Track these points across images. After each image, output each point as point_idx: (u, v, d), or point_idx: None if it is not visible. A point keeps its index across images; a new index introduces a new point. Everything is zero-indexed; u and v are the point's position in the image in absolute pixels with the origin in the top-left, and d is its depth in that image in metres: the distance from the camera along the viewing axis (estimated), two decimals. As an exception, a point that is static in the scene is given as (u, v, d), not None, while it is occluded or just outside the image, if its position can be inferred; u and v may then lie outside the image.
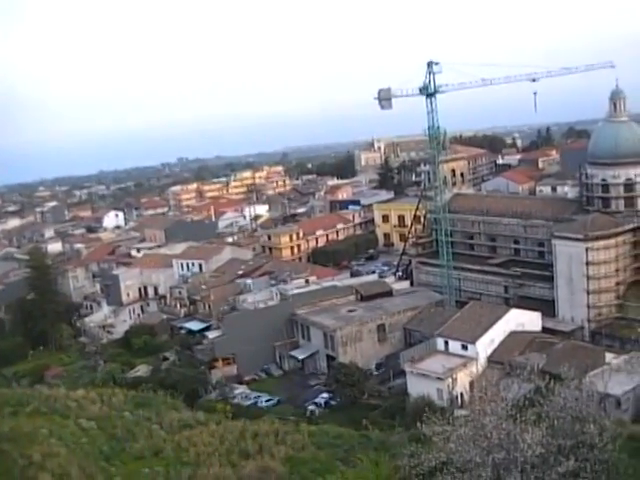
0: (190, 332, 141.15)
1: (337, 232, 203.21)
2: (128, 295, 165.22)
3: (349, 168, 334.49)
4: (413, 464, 33.87)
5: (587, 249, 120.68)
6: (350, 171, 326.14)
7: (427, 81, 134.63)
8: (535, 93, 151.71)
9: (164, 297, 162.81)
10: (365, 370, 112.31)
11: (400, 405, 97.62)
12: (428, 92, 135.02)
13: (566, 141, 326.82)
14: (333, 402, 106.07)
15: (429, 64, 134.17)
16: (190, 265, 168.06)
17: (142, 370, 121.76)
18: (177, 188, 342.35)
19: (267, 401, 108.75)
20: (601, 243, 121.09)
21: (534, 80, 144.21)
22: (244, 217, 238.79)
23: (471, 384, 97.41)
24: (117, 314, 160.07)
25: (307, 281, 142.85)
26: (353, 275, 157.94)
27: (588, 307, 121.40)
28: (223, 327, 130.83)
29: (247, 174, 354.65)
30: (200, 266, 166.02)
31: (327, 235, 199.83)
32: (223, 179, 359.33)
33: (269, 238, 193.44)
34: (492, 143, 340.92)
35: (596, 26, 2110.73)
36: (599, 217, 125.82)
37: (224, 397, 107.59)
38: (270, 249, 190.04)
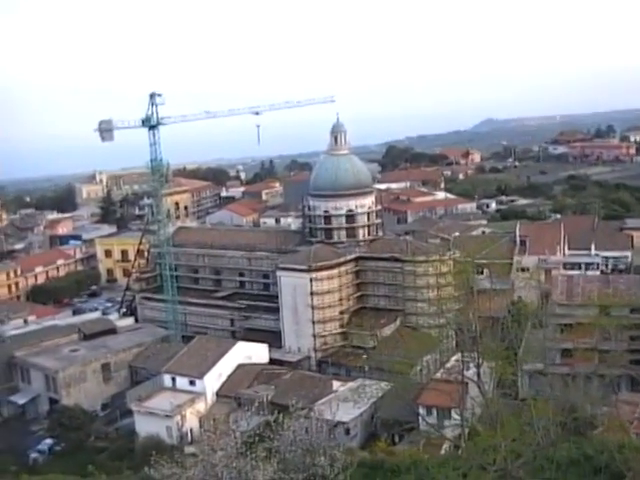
0: None
1: (58, 268, 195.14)
2: None
3: (70, 201, 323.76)
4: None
5: (311, 279, 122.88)
6: (71, 205, 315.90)
7: (149, 113, 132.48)
8: (258, 126, 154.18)
9: None
10: (91, 412, 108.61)
11: (128, 446, 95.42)
12: (151, 124, 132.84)
13: (289, 173, 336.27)
14: (58, 447, 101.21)
15: (152, 95, 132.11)
16: None
17: None
18: None
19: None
20: (324, 273, 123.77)
21: (257, 113, 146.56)
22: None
23: (201, 420, 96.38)
24: None
25: (26, 321, 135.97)
26: (75, 313, 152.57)
27: (314, 337, 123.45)
28: None
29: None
30: None
31: (47, 272, 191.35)
32: None
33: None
34: (216, 176, 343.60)
35: (321, 61, 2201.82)
36: (322, 248, 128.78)
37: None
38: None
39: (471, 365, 50.72)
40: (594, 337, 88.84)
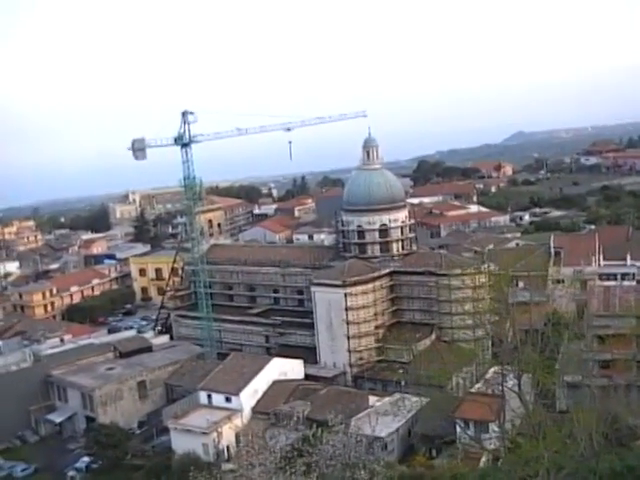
0: None
1: (93, 287, 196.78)
2: None
3: (104, 221, 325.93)
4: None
5: (346, 295, 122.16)
6: (105, 224, 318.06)
7: (182, 131, 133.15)
8: (290, 142, 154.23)
9: None
10: (127, 429, 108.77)
11: (165, 463, 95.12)
12: (183, 142, 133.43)
13: (321, 189, 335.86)
14: (95, 465, 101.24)
15: (184, 113, 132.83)
16: None
17: None
18: None
19: (23, 470, 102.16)
20: (359, 288, 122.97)
21: (289, 129, 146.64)
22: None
23: (237, 436, 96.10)
24: None
25: (62, 340, 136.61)
26: (111, 331, 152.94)
27: (349, 352, 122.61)
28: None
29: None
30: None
31: (82, 291, 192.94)
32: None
33: (20, 296, 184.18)
34: (248, 193, 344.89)
35: (351, 76, 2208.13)
36: (356, 263, 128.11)
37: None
38: (22, 308, 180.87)
39: (510, 377, 50.18)
40: (633, 347, 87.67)
